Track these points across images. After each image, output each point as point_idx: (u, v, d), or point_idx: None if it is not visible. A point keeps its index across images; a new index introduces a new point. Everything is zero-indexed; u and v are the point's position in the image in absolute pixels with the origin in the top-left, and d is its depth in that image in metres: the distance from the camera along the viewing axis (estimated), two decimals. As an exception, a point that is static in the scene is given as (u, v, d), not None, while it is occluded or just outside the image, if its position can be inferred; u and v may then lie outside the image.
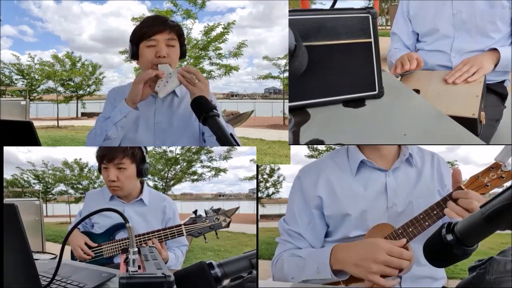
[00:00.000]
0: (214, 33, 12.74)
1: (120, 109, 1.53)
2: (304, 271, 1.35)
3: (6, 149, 1.57)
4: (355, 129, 1.46)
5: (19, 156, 8.92)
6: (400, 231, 1.29)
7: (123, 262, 1.10)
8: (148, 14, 12.71)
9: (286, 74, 12.89)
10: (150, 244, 1.69)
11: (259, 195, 7.60)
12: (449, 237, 0.97)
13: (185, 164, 8.38)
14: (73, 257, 1.80)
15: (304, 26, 1.45)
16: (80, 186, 8.86)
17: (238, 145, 1.27)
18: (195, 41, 12.70)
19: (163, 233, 1.72)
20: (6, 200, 3.83)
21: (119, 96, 1.66)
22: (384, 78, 1.59)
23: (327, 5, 1.75)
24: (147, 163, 1.82)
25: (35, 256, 1.29)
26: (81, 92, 15.75)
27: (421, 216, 1.28)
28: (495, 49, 1.89)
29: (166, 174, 8.37)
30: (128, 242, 1.64)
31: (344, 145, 1.49)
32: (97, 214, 1.69)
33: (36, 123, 1.64)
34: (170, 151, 8.17)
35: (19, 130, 1.61)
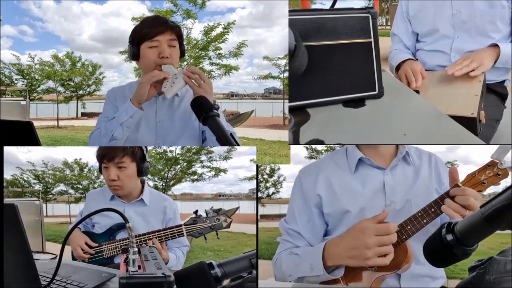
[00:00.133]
0: (214, 33, 12.74)
1: (125, 109, 1.54)
2: (299, 268, 1.37)
3: (6, 149, 1.57)
4: (355, 129, 1.46)
5: (19, 156, 8.93)
6: (398, 229, 1.30)
7: (123, 262, 1.10)
8: (148, 14, 12.72)
9: (286, 74, 12.90)
10: (150, 244, 1.69)
11: (259, 195, 7.60)
12: (449, 237, 0.97)
13: (185, 164, 8.38)
14: (73, 257, 1.81)
15: (304, 26, 1.45)
16: (80, 186, 8.86)
17: (238, 145, 1.27)
18: (195, 41, 12.70)
19: (163, 233, 1.72)
20: (6, 200, 3.83)
21: (119, 96, 1.67)
22: (384, 78, 1.59)
23: (327, 5, 1.75)
24: (147, 162, 1.82)
25: (35, 256, 1.29)
26: (81, 92, 15.76)
27: (419, 214, 1.30)
28: (495, 45, 1.89)
29: (166, 174, 8.37)
30: (128, 242, 1.64)
31: (344, 146, 1.50)
32: (97, 214, 1.70)
33: (36, 123, 1.64)
34: (170, 151, 8.17)
35: (19, 130, 1.61)
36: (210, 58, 12.94)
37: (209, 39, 12.71)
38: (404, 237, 1.29)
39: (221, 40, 12.77)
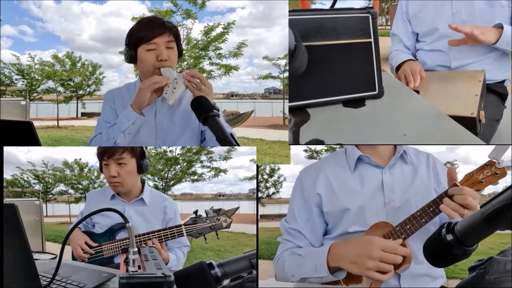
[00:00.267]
0: (214, 33, 12.74)
1: (127, 116, 1.53)
2: (302, 269, 1.38)
3: (6, 149, 1.57)
4: (355, 129, 1.46)
5: (19, 156, 8.92)
6: (398, 228, 1.31)
7: (123, 262, 1.10)
8: (148, 14, 12.72)
9: (286, 74, 12.90)
10: (150, 244, 1.69)
11: (259, 195, 7.60)
12: (449, 237, 0.97)
13: (185, 164, 8.38)
14: (73, 257, 1.81)
15: (304, 26, 1.45)
16: (80, 186, 8.86)
17: (238, 145, 1.27)
18: (195, 41, 12.70)
19: (163, 233, 1.72)
20: (6, 200, 3.84)
21: (118, 99, 1.66)
22: (384, 78, 1.59)
23: (327, 5, 1.75)
24: (147, 159, 1.83)
25: (35, 256, 1.29)
26: (81, 92, 15.76)
27: (418, 213, 1.30)
28: (499, 26, 1.87)
29: (166, 174, 8.37)
30: (128, 242, 1.64)
31: (344, 146, 1.50)
32: (97, 214, 1.70)
33: (36, 123, 1.64)
34: (170, 151, 8.17)
35: (19, 130, 1.61)
36: (210, 58, 12.95)
37: (209, 39, 12.71)
38: (403, 236, 1.30)
39: (221, 40, 12.77)
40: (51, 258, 1.65)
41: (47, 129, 12.66)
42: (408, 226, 1.30)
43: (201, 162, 8.41)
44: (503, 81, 2.04)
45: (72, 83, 15.46)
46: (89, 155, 8.27)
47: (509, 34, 1.84)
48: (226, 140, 1.21)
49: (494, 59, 1.97)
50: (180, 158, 8.30)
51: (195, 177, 8.44)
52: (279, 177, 8.32)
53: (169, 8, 12.33)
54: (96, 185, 8.64)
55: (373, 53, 1.53)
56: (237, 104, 17.82)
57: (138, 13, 14.50)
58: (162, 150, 8.12)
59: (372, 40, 1.52)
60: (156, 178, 8.26)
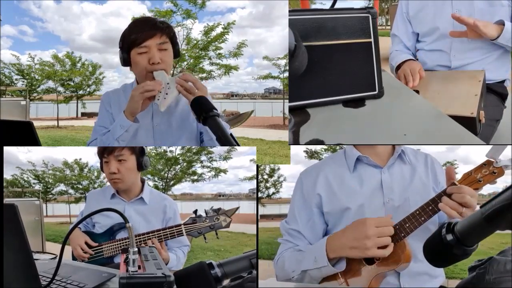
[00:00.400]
0: (214, 33, 12.74)
1: (120, 123, 1.51)
2: (303, 262, 1.39)
3: (6, 149, 1.57)
4: (355, 129, 1.46)
5: (19, 156, 8.93)
6: (397, 227, 1.32)
7: (123, 262, 1.10)
8: (148, 14, 12.73)
9: (286, 74, 12.90)
10: (150, 244, 1.69)
11: (259, 195, 7.60)
12: (449, 237, 0.97)
13: (185, 164, 8.38)
14: (73, 257, 1.81)
15: (304, 26, 1.45)
16: (80, 186, 8.87)
17: (238, 145, 1.27)
18: (195, 41, 12.70)
19: (162, 232, 1.72)
20: (6, 200, 3.84)
21: (114, 102, 1.63)
22: (384, 78, 1.59)
23: (327, 5, 1.75)
24: (146, 156, 1.83)
25: (35, 256, 1.29)
26: (81, 92, 15.75)
27: (417, 212, 1.31)
28: (500, 22, 1.87)
29: (166, 174, 8.37)
30: (128, 242, 1.64)
31: (344, 146, 1.50)
32: (97, 213, 1.70)
33: (36, 123, 1.64)
34: (170, 151, 8.17)
35: (19, 130, 1.61)
36: (210, 58, 12.95)
37: (209, 39, 12.71)
38: (402, 234, 1.30)
39: (221, 40, 12.77)
40: (51, 258, 1.65)
41: (47, 129, 12.66)
42: (407, 225, 1.31)
43: (201, 162, 8.41)
44: (503, 81, 2.04)
45: (72, 83, 15.45)
46: (89, 155, 8.28)
47: (510, 30, 1.85)
48: (226, 140, 1.21)
49: (494, 59, 1.97)
50: (180, 158, 8.31)
51: (195, 177, 8.45)
52: (279, 177, 8.33)
53: (169, 8, 12.34)
54: (96, 185, 8.64)
55: (373, 53, 1.53)
56: (237, 104, 17.83)
57: (138, 13, 14.54)
58: (162, 150, 8.12)
59: (372, 40, 1.52)
60: (156, 178, 8.27)
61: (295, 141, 1.44)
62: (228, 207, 1.79)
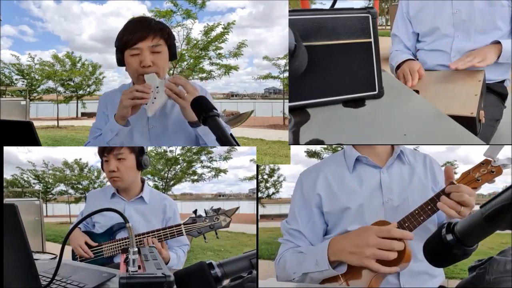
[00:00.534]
0: (214, 33, 12.73)
1: (110, 127, 1.50)
2: (304, 265, 1.39)
3: (6, 149, 1.57)
4: (355, 129, 1.46)
5: (19, 156, 8.93)
6: (397, 226, 1.31)
7: (123, 262, 1.10)
8: (148, 14, 12.71)
9: (286, 74, 12.89)
10: (150, 244, 1.69)
11: (259, 195, 7.60)
12: (449, 237, 0.97)
13: (185, 164, 8.38)
14: (74, 257, 1.81)
15: (304, 26, 1.45)
16: (80, 186, 8.87)
17: (238, 145, 1.27)
18: (195, 41, 12.70)
19: (162, 232, 1.72)
20: (6, 200, 3.84)
21: (110, 103, 1.62)
22: (384, 78, 1.59)
23: (327, 5, 1.75)
24: (146, 155, 1.83)
25: (35, 256, 1.29)
26: (81, 92, 15.74)
27: (416, 211, 1.32)
28: (497, 42, 1.90)
29: (166, 174, 8.37)
30: (128, 242, 1.64)
31: (343, 146, 1.50)
32: (97, 213, 1.70)
33: (36, 123, 1.64)
34: (170, 151, 8.17)
35: (19, 130, 1.61)
36: (210, 58, 12.94)
37: (209, 39, 12.70)
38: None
39: (221, 40, 12.76)
40: (51, 258, 1.65)
41: (47, 129, 12.66)
42: (406, 224, 1.31)
43: (201, 162, 8.41)
44: (503, 81, 2.04)
45: (72, 83, 15.44)
46: (89, 155, 8.28)
47: (508, 48, 1.88)
48: (226, 140, 1.21)
49: (494, 59, 1.97)
50: (180, 158, 8.31)
51: (195, 177, 8.45)
52: (279, 177, 8.33)
53: (169, 8, 12.33)
54: (96, 185, 8.65)
55: (373, 53, 1.53)
56: (237, 104, 17.82)
57: (138, 13, 14.53)
58: (162, 150, 8.12)
59: (372, 40, 1.52)
60: (156, 178, 8.27)
61: (295, 141, 1.44)
62: (228, 207, 1.79)
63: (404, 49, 2.20)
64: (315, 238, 1.49)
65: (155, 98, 1.45)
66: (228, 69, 12.94)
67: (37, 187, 8.95)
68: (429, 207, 1.31)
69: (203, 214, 1.74)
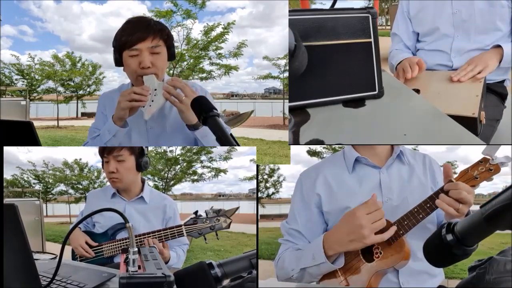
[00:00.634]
0: (214, 33, 12.72)
1: (107, 128, 1.50)
2: (301, 260, 1.40)
3: (6, 149, 1.57)
4: (355, 129, 1.46)
5: (19, 156, 8.92)
6: (396, 224, 1.32)
7: (123, 262, 1.10)
8: (148, 14, 12.71)
9: (286, 74, 12.89)
10: (150, 244, 1.69)
11: (259, 195, 7.60)
12: (449, 237, 0.97)
13: (185, 164, 8.38)
14: (73, 257, 1.81)
15: (304, 26, 1.45)
16: (80, 186, 8.86)
17: (238, 145, 1.27)
18: (195, 41, 12.70)
19: (163, 233, 1.72)
20: (6, 200, 3.84)
21: (109, 103, 1.62)
22: (384, 78, 1.59)
23: (327, 5, 1.75)
24: (146, 156, 1.83)
25: (35, 256, 1.29)
26: (81, 92, 15.73)
27: (415, 210, 1.33)
28: (498, 46, 1.90)
29: (166, 174, 8.37)
30: (128, 242, 1.64)
31: (343, 146, 1.51)
32: (97, 213, 1.70)
33: (36, 123, 1.64)
34: (170, 151, 8.17)
35: (19, 130, 1.61)
36: (210, 58, 12.93)
37: (209, 39, 12.70)
38: (401, 232, 1.32)
39: (221, 40, 12.75)
40: (51, 258, 1.65)
41: (47, 129, 12.65)
42: (406, 222, 1.32)
43: (201, 162, 8.41)
44: (503, 81, 2.04)
45: (72, 83, 15.43)
46: (89, 155, 8.27)
47: (509, 53, 1.88)
48: (226, 140, 1.21)
49: (494, 59, 1.97)
50: (180, 158, 8.30)
51: (195, 177, 8.44)
52: (279, 177, 8.32)
53: (169, 8, 12.32)
54: (96, 185, 8.64)
55: (373, 53, 1.53)
56: (237, 104, 17.81)
57: (138, 13, 14.49)
58: (162, 150, 8.12)
59: (372, 40, 1.52)
60: (156, 178, 8.26)
61: (295, 141, 1.44)
62: (228, 207, 1.80)
63: (404, 48, 2.20)
64: (314, 238, 1.48)
65: (152, 100, 1.45)
66: (228, 69, 12.94)
67: (37, 187, 8.94)
68: (428, 205, 1.31)
69: (204, 215, 1.74)
